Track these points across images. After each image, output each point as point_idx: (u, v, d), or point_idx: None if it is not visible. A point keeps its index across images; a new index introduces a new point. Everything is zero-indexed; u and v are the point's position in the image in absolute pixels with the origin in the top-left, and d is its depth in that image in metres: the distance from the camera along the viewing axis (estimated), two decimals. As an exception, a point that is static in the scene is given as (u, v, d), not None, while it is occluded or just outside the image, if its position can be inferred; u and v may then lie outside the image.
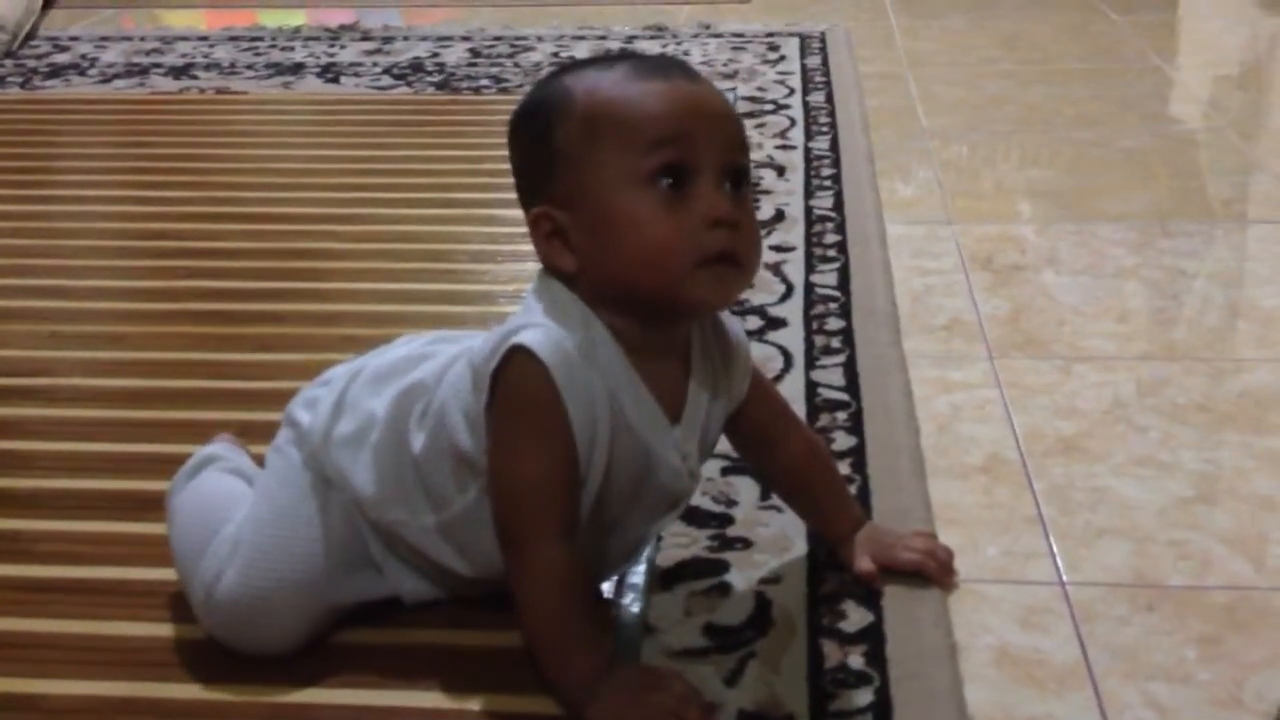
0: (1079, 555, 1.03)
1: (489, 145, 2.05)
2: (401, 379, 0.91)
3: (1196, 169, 1.96)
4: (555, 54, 2.62)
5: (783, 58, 2.54)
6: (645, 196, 0.81)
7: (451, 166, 1.96)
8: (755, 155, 1.96)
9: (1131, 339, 1.39)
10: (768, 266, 1.56)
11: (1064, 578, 1.00)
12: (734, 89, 2.32)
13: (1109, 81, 2.37)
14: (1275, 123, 2.23)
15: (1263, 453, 1.17)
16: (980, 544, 1.04)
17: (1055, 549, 1.03)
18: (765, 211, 1.74)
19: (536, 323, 0.83)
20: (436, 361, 0.91)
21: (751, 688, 0.87)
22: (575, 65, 0.88)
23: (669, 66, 0.85)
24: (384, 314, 1.49)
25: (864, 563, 0.98)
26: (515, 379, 0.82)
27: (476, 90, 2.39)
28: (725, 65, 2.49)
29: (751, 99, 2.26)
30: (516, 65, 2.55)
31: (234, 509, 0.94)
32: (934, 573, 0.98)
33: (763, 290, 1.50)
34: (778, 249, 1.62)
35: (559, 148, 0.83)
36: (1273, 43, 2.77)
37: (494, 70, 2.51)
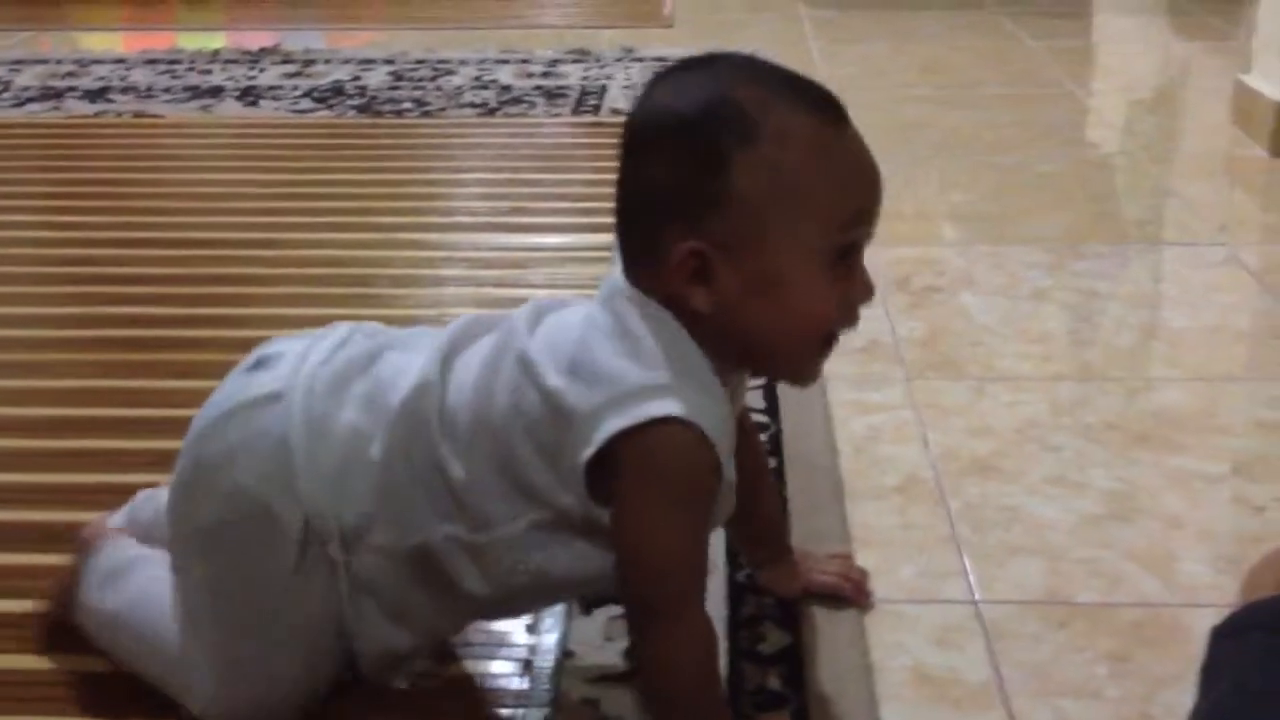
0: (992, 574, 1.04)
1: (410, 169, 2.05)
2: (374, 381, 0.83)
3: (1110, 192, 2.00)
4: (478, 77, 2.62)
5: (705, 82, 2.56)
6: (822, 273, 0.78)
7: (374, 190, 1.95)
8: (678, 179, 1.97)
9: (1045, 360, 1.42)
10: (689, 290, 1.57)
11: (978, 596, 1.01)
12: (657, 113, 2.33)
13: (1025, 106, 2.42)
14: (1187, 146, 2.29)
15: (1172, 471, 1.19)
16: (896, 564, 1.05)
17: (969, 568, 1.05)
18: (687, 235, 1.75)
19: (671, 383, 0.76)
20: (420, 360, 0.82)
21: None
22: (735, 71, 0.79)
23: (837, 108, 0.80)
24: (303, 340, 1.48)
25: (786, 585, 0.99)
26: (679, 454, 0.76)
27: (399, 114, 2.38)
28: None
29: (674, 123, 2.27)
30: (439, 89, 2.54)
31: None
32: (850, 594, 0.99)
33: (684, 314, 1.51)
34: (699, 272, 1.63)
35: (739, 190, 0.76)
36: (1185, 67, 2.84)
37: (416, 93, 2.51)
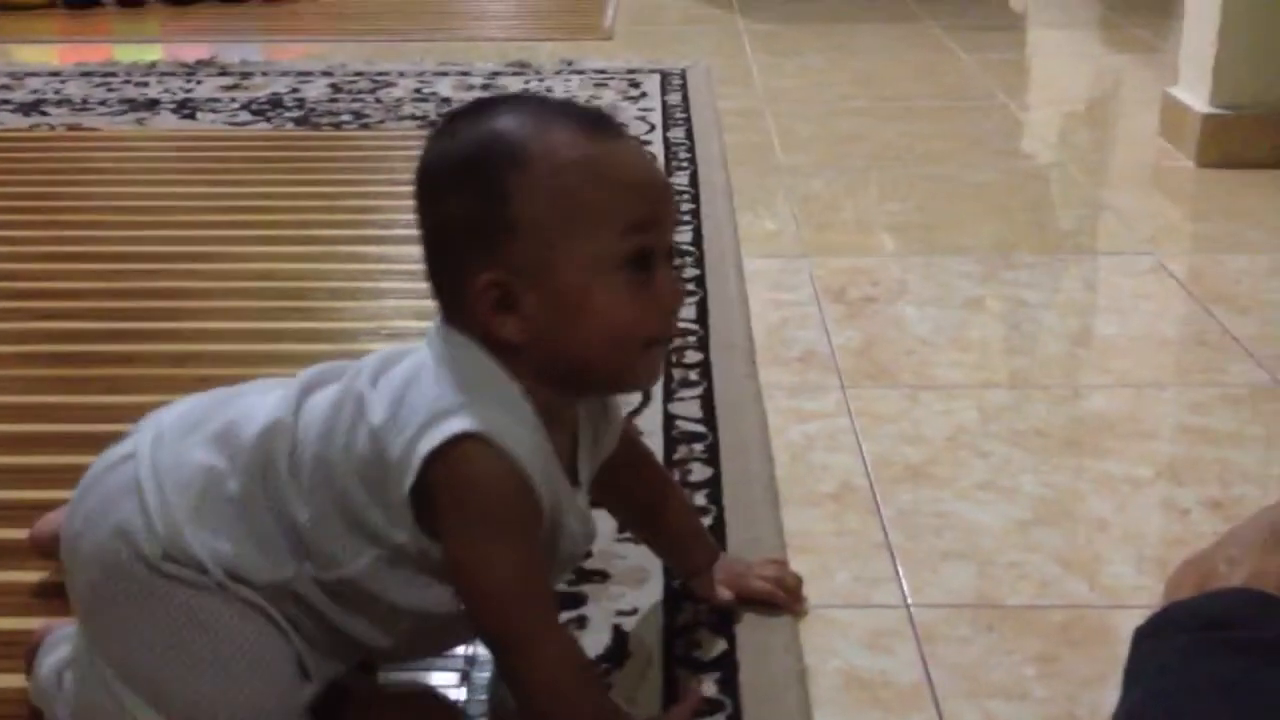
0: (924, 578, 1.06)
1: (349, 181, 2.05)
2: (224, 423, 0.84)
3: (1041, 203, 2.03)
4: (417, 89, 2.62)
5: (644, 94, 2.58)
6: (617, 281, 0.80)
7: (311, 203, 1.95)
8: (616, 191, 1.98)
9: (977, 368, 1.44)
10: (627, 301, 1.58)
11: (909, 600, 1.03)
12: (596, 125, 2.34)
13: (959, 118, 2.45)
14: (1117, 157, 2.33)
15: (1098, 476, 1.22)
16: (831, 570, 1.07)
17: (901, 573, 1.06)
18: (625, 246, 1.76)
19: (464, 401, 0.78)
20: (273, 399, 0.84)
21: (606, 719, 0.88)
22: (505, 107, 0.83)
23: (609, 126, 0.83)
24: (240, 353, 1.48)
25: (720, 592, 1.00)
26: (479, 474, 0.78)
27: (337, 126, 2.38)
28: (587, 102, 2.52)
29: (613, 135, 2.29)
30: (378, 100, 2.54)
31: None
32: (783, 600, 1.00)
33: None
34: (637, 283, 1.64)
35: (520, 215, 0.79)
36: (1115, 80, 2.90)
37: (355, 106, 2.50)
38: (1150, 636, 0.81)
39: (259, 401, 0.85)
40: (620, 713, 0.83)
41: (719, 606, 1.00)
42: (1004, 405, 1.35)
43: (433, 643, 0.91)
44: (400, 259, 1.73)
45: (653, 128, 2.34)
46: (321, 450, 0.81)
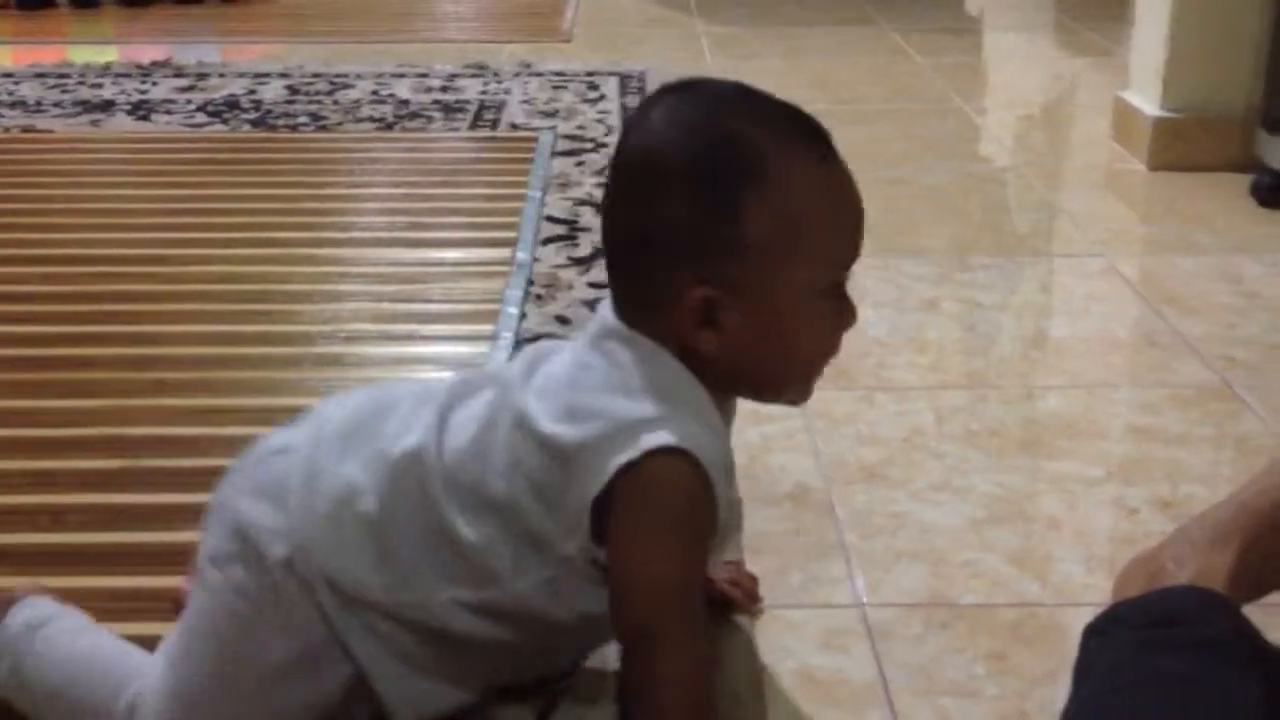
0: (879, 578, 1.07)
1: (306, 184, 2.04)
2: (378, 438, 0.82)
3: (995, 205, 2.06)
4: (375, 91, 2.62)
5: (602, 96, 2.59)
6: (819, 309, 0.80)
7: (268, 205, 1.94)
8: (576, 193, 1.99)
9: (932, 369, 1.46)
10: (585, 303, 1.59)
11: (864, 600, 1.04)
12: (554, 127, 2.35)
13: (914, 121, 2.47)
14: (1070, 160, 2.36)
15: (1050, 475, 1.24)
16: (786, 570, 1.08)
17: (856, 573, 1.08)
18: (584, 248, 1.77)
19: (664, 413, 0.77)
20: (420, 420, 0.82)
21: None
22: (736, 102, 0.80)
23: (828, 140, 0.81)
24: (198, 357, 1.47)
25: (727, 586, 1.02)
26: (673, 485, 0.76)
27: (294, 128, 2.37)
28: (546, 104, 2.52)
29: (571, 137, 2.29)
30: (335, 102, 2.54)
31: (123, 666, 0.86)
32: (740, 600, 1.01)
33: (579, 327, 1.52)
34: (595, 286, 1.65)
35: (751, 236, 0.77)
36: (1068, 83, 2.93)
37: (312, 108, 2.50)
38: (1098, 634, 0.83)
39: (409, 421, 0.83)
40: None
41: (730, 600, 1.01)
42: (959, 406, 1.37)
43: (546, 659, 0.90)
44: (358, 261, 1.73)
45: (610, 130, 2.34)
46: (481, 468, 0.80)
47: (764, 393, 0.86)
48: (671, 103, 0.80)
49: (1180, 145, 2.12)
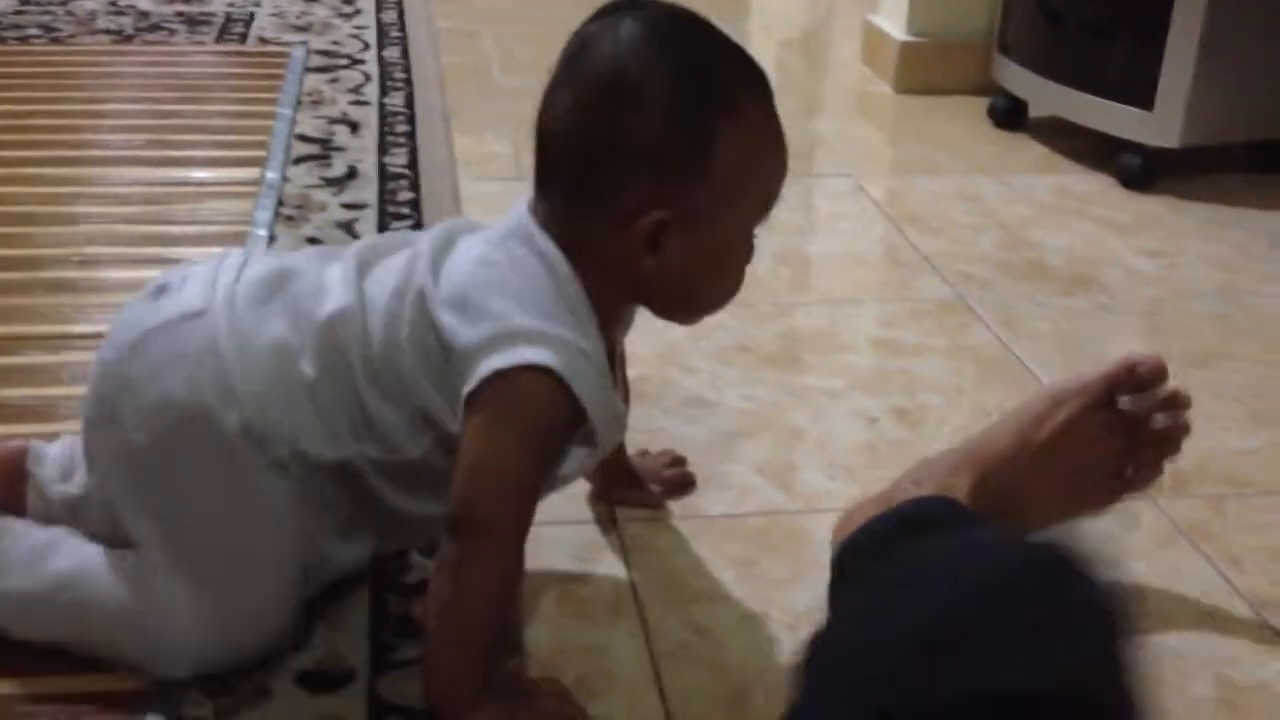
0: (631, 493, 1.09)
1: (37, 99, 1.92)
2: (297, 298, 0.84)
3: (750, 126, 2.09)
4: (112, 2, 2.47)
5: (359, 11, 2.51)
6: (748, 245, 0.85)
7: (-6, 122, 1.82)
8: (329, 111, 1.93)
9: (686, 287, 1.48)
10: (339, 225, 1.55)
11: (616, 514, 1.06)
12: (306, 42, 2.27)
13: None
14: (822, 84, 2.42)
15: (797, 388, 1.28)
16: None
17: (610, 488, 1.09)
18: (338, 169, 1.72)
19: (544, 329, 0.79)
20: (335, 277, 0.85)
21: (314, 647, 0.88)
22: (709, 35, 0.82)
23: (769, 85, 0.84)
24: (-85, 284, 1.38)
25: (645, 489, 1.07)
26: (538, 400, 0.79)
27: (24, 40, 2.22)
28: (298, 18, 2.43)
29: (325, 53, 2.22)
30: (70, 14, 2.38)
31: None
32: (652, 503, 1.07)
33: (332, 242, 1.49)
34: (349, 207, 1.61)
35: (718, 165, 0.79)
36: (827, 8, 2.99)
37: (45, 19, 2.34)
38: (850, 548, 0.85)
39: (322, 278, 0.85)
40: (497, 649, 0.83)
41: (647, 505, 1.06)
42: (710, 323, 1.38)
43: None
44: (93, 181, 1.64)
45: (367, 46, 2.28)
46: (388, 340, 0.82)
47: (670, 312, 0.88)
48: (643, 20, 0.80)
49: (925, 69, 2.20)
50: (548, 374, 0.79)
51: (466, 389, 0.79)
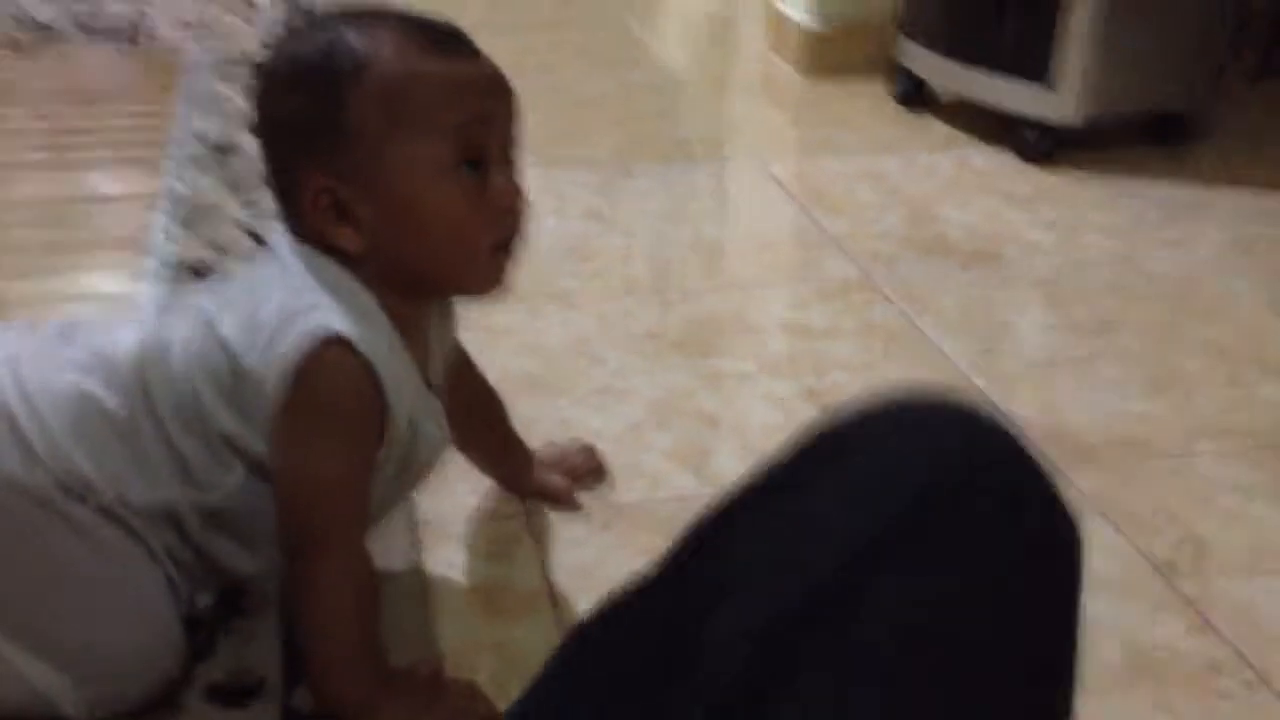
0: (542, 485, 1.09)
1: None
2: (80, 348, 0.82)
3: (655, 114, 2.09)
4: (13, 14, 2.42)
5: (254, 8, 2.47)
6: (449, 185, 0.80)
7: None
8: (230, 112, 1.90)
9: (594, 277, 1.48)
10: (238, 225, 1.53)
11: (527, 506, 1.05)
12: (202, 43, 2.23)
13: (576, 32, 2.48)
14: (729, 69, 2.42)
15: (706, 374, 1.28)
16: (450, 484, 1.07)
17: (521, 482, 1.09)
18: (237, 170, 1.70)
19: (327, 306, 0.78)
20: (131, 325, 0.84)
21: (223, 659, 0.87)
22: (357, 19, 0.81)
23: (455, 41, 0.82)
24: None
25: (553, 480, 1.06)
26: (331, 374, 0.77)
27: (-91, 50, 2.16)
28: (194, 18, 2.39)
29: (224, 56, 2.19)
30: (-43, 22, 2.33)
31: None
32: (564, 498, 1.06)
33: (235, 253, 1.46)
34: (251, 206, 1.58)
35: (353, 122, 0.78)
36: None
37: (-70, 27, 2.28)
38: None
39: (113, 329, 0.84)
40: (379, 646, 0.82)
41: (556, 496, 1.05)
42: (621, 311, 1.39)
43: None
44: (-13, 193, 1.60)
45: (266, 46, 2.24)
46: (185, 374, 0.80)
47: (443, 284, 0.86)
48: (305, 26, 0.84)
49: (829, 52, 2.21)
50: (337, 344, 0.78)
51: (270, 388, 0.78)
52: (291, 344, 0.77)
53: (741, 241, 1.61)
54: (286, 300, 0.79)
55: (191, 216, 1.56)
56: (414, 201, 0.80)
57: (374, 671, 0.80)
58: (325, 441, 0.79)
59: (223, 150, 1.77)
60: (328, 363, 0.78)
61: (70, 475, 0.79)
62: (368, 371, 0.78)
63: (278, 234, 0.84)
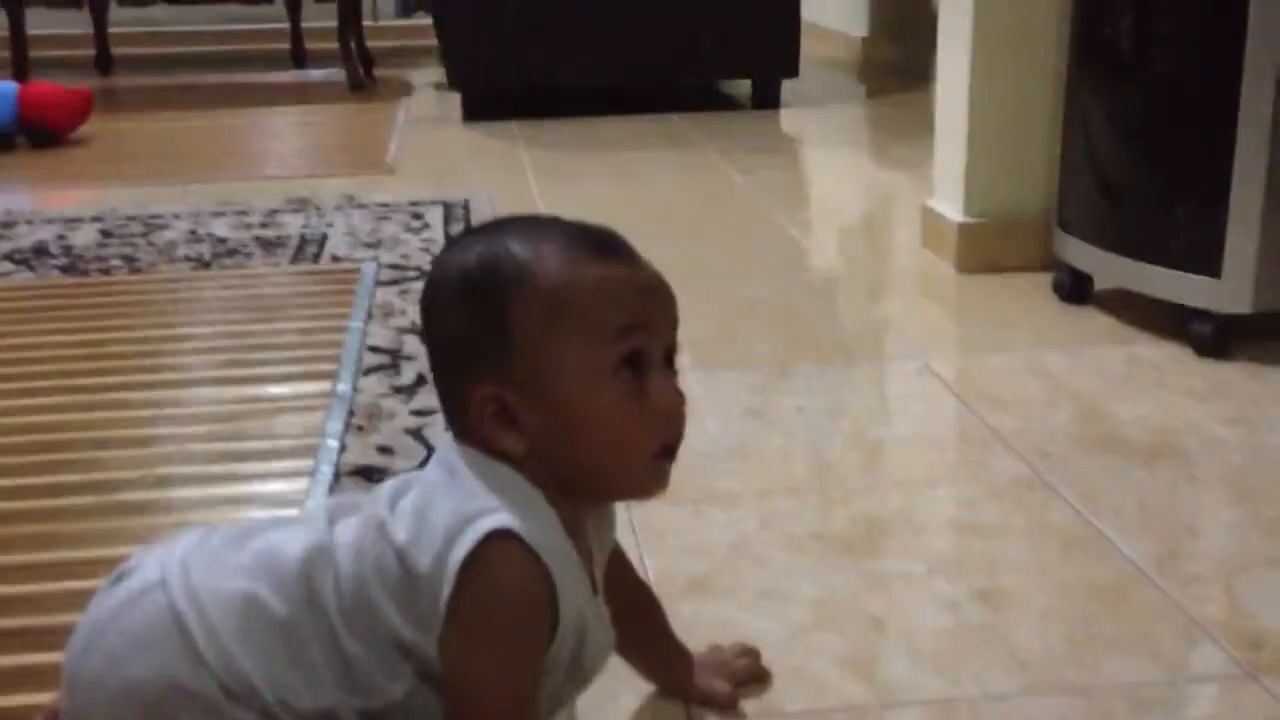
0: (706, 692, 1.05)
1: (115, 327, 1.98)
2: (249, 553, 0.84)
3: (812, 315, 2.09)
4: (192, 230, 2.57)
5: (426, 225, 2.58)
6: (610, 389, 0.81)
7: (74, 351, 1.87)
8: (400, 321, 1.97)
9: (753, 476, 1.46)
10: (408, 432, 1.56)
11: (690, 714, 1.02)
12: (376, 257, 2.34)
13: (733, 237, 2.53)
14: (884, 269, 2.43)
15: (873, 575, 1.24)
16: (616, 692, 1.05)
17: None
18: (407, 376, 1.75)
19: (496, 506, 0.79)
20: (300, 530, 0.85)
21: None
22: (516, 227, 0.85)
23: (615, 247, 0.84)
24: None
25: (717, 685, 1.03)
26: (504, 573, 0.78)
27: (106, 271, 2.30)
28: (369, 235, 2.51)
29: (395, 266, 2.28)
30: (150, 243, 2.48)
31: None
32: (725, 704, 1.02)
33: (403, 456, 1.50)
34: (418, 413, 1.62)
35: (517, 329, 0.81)
36: (880, 195, 3.03)
37: (126, 250, 2.43)
38: None
39: (285, 533, 0.85)
40: None
41: (719, 702, 1.02)
42: (782, 512, 1.37)
43: None
44: (168, 403, 1.67)
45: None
46: (357, 575, 0.81)
47: (606, 488, 0.86)
48: (463, 238, 0.87)
49: (985, 248, 2.21)
50: (509, 538, 0.78)
51: (444, 594, 0.78)
52: (465, 545, 0.78)
53: (904, 440, 1.58)
54: (459, 505, 0.80)
55: (361, 421, 1.60)
56: (576, 406, 0.81)
57: None
58: (497, 645, 0.79)
59: (393, 357, 1.82)
60: (500, 557, 0.78)
61: (235, 679, 0.80)
62: (539, 566, 0.79)
63: (445, 439, 0.85)
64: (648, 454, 0.83)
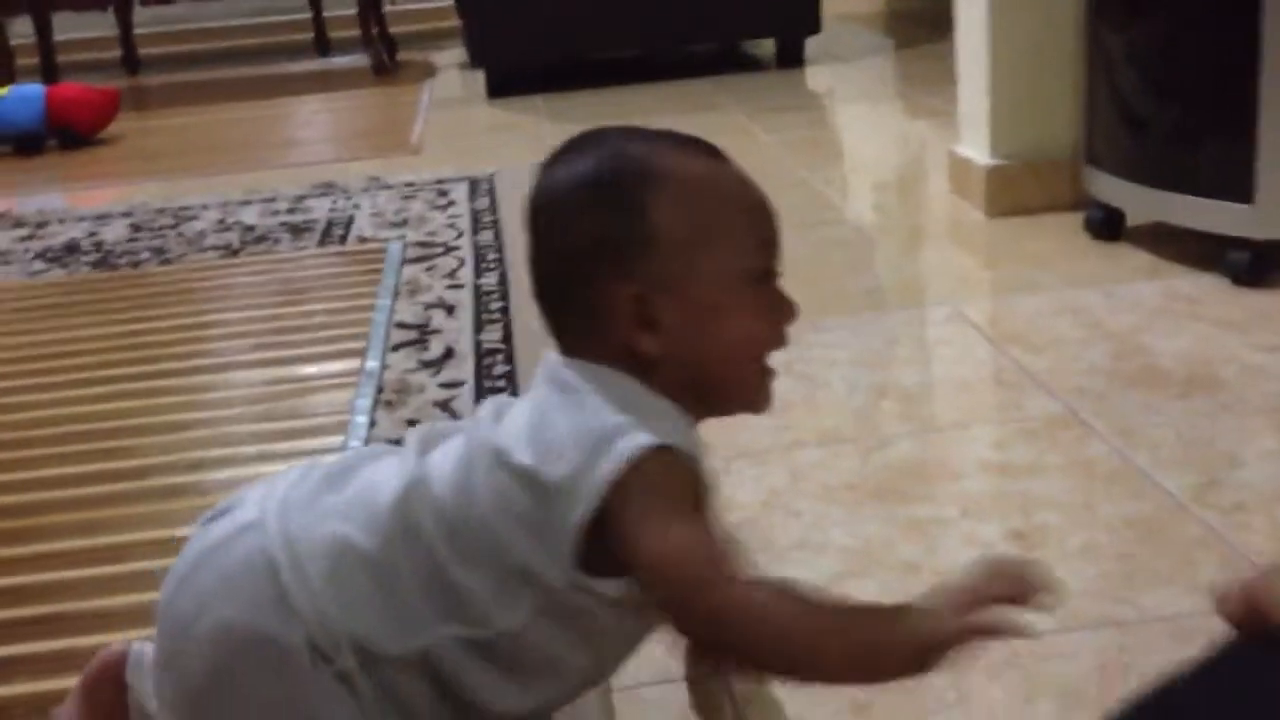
0: (739, 643, 1.05)
1: (146, 318, 2.00)
2: (353, 494, 0.82)
3: (843, 268, 2.07)
4: (221, 220, 2.59)
5: (451, 202, 2.58)
6: (748, 295, 0.82)
7: (110, 344, 1.89)
8: (426, 297, 1.97)
9: (784, 429, 1.45)
10: (436, 404, 1.56)
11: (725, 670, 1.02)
12: (403, 236, 2.34)
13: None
14: (914, 217, 2.40)
15: (906, 521, 1.23)
16: (647, 646, 1.05)
17: (716, 641, 1.05)
18: (435, 350, 1.75)
19: (632, 420, 0.77)
20: (392, 466, 0.83)
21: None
22: (617, 135, 0.85)
23: (715, 149, 0.86)
24: (48, 501, 1.42)
25: None
26: (661, 476, 0.76)
27: (136, 265, 2.32)
28: (395, 214, 2.51)
29: (421, 244, 2.28)
30: (180, 234, 2.50)
31: None
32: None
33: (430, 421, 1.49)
34: (447, 385, 1.62)
35: (658, 229, 0.80)
36: (908, 145, 3.00)
37: (155, 243, 2.45)
38: None
39: (377, 471, 0.83)
40: (862, 605, 0.82)
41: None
42: (814, 463, 1.36)
43: (549, 697, 0.86)
44: (201, 389, 1.69)
45: (461, 233, 2.34)
46: (465, 506, 0.79)
47: (716, 393, 0.84)
48: (564, 153, 0.86)
49: (1013, 191, 2.18)
50: (656, 451, 0.76)
51: (578, 513, 0.76)
52: (613, 462, 0.75)
53: (937, 385, 1.56)
54: (586, 420, 0.78)
55: (390, 396, 1.60)
56: (720, 308, 0.81)
57: (888, 610, 0.78)
58: (674, 521, 0.76)
59: (421, 332, 1.83)
60: (655, 468, 0.76)
61: (322, 630, 0.78)
62: (687, 461, 0.78)
63: (550, 357, 0.84)
64: (764, 361, 0.84)
